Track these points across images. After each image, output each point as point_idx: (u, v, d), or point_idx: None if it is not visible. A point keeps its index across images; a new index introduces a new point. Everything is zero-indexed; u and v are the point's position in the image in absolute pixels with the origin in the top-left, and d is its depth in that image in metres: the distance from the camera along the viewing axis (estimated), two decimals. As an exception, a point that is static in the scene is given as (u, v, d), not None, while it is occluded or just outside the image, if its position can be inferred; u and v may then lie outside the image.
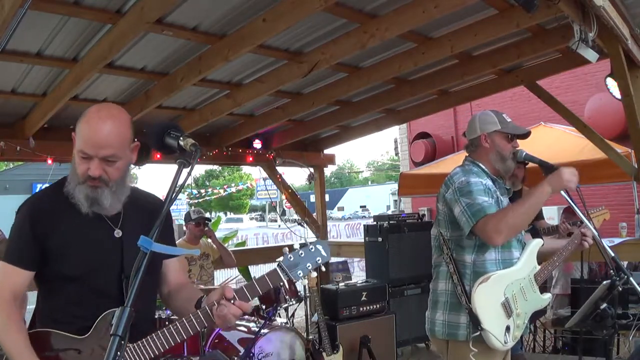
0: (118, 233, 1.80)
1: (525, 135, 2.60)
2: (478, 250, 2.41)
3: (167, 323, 3.52)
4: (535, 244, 2.53)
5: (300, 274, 1.69)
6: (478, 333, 2.31)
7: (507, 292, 2.37)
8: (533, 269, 2.49)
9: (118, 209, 1.80)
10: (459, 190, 2.40)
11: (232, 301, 1.62)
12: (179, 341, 1.67)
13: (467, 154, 2.63)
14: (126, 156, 1.80)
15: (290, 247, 1.75)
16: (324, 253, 1.72)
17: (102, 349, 1.66)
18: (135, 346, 1.65)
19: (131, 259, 1.67)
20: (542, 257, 2.62)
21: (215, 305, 1.61)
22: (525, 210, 2.32)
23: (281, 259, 1.70)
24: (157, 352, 1.66)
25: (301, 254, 1.70)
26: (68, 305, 1.73)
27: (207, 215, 5.46)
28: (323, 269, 1.74)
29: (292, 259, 1.69)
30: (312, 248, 1.72)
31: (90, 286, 1.73)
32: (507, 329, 2.36)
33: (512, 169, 2.56)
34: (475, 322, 2.31)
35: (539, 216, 4.82)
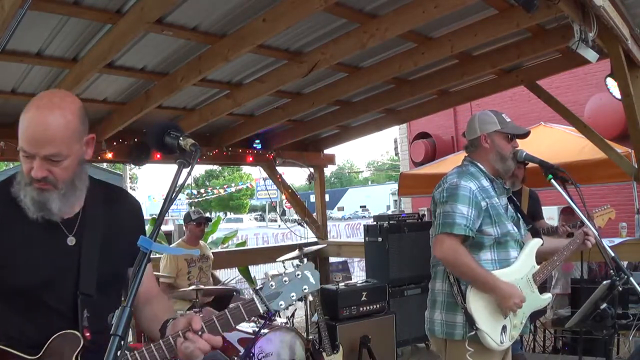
0: (71, 240, 1.58)
1: (525, 135, 2.61)
2: (473, 249, 2.42)
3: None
4: (534, 244, 2.53)
5: (282, 305, 1.48)
6: (474, 332, 2.33)
7: None
8: (531, 269, 2.49)
9: (70, 213, 1.59)
10: (446, 191, 2.44)
11: (199, 333, 1.40)
12: None
13: (466, 154, 2.63)
14: (76, 152, 1.54)
15: (273, 275, 1.58)
16: (312, 280, 1.53)
17: None
18: None
19: (88, 271, 1.55)
20: (542, 257, 2.61)
21: (180, 337, 1.39)
22: (469, 276, 2.36)
23: (260, 286, 1.51)
24: None
25: (285, 281, 1.49)
26: (16, 320, 1.53)
27: (207, 215, 5.46)
28: (310, 298, 1.59)
29: (273, 287, 1.48)
30: (298, 274, 1.51)
31: (40, 301, 1.53)
32: (504, 328, 2.38)
33: (512, 169, 2.57)
34: (470, 321, 2.34)
35: (539, 216, 4.83)
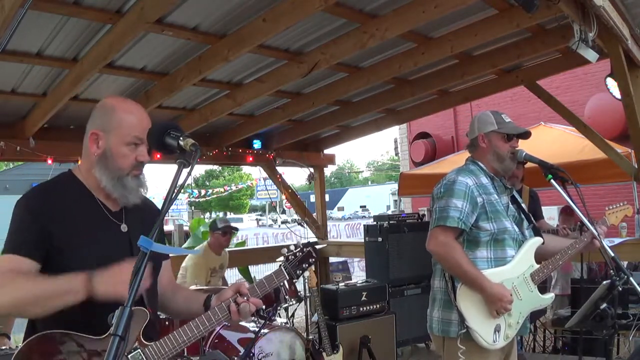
0: (124, 228, 1.78)
1: (525, 135, 2.62)
2: (469, 245, 2.43)
3: (166, 323, 3.55)
4: (533, 243, 2.51)
5: (299, 272, 1.95)
6: (465, 330, 2.34)
7: None
8: (529, 268, 2.47)
9: (117, 207, 1.79)
10: (443, 187, 2.49)
11: (246, 298, 1.74)
12: (198, 337, 1.71)
13: (470, 154, 2.66)
14: None
15: (288, 249, 2.00)
16: (314, 255, 1.99)
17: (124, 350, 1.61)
18: (157, 344, 1.64)
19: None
20: (545, 256, 2.58)
21: (231, 302, 1.72)
22: (457, 271, 2.38)
23: (281, 259, 1.94)
24: (178, 349, 1.67)
25: (298, 254, 1.96)
26: (78, 306, 1.60)
27: (234, 225, 5.39)
28: (313, 268, 1.97)
29: (291, 259, 1.94)
30: (306, 249, 1.99)
31: None
32: (497, 327, 2.36)
33: (511, 169, 2.58)
34: (461, 319, 2.35)
35: (539, 216, 4.83)
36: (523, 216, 2.60)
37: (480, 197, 2.43)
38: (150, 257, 1.72)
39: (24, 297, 1.54)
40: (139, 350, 1.62)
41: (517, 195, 2.67)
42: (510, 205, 2.57)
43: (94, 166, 1.73)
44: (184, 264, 4.95)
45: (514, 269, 2.44)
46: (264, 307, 4.56)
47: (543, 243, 2.54)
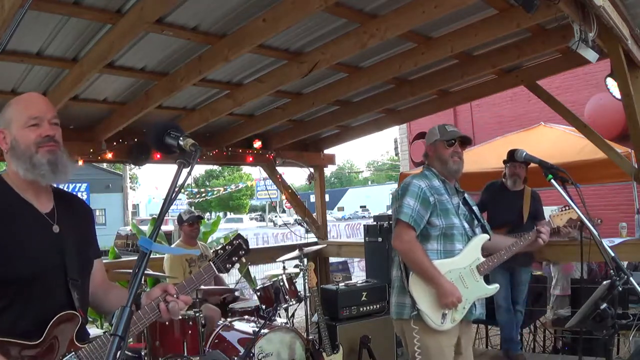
0: (56, 228, 1.75)
1: (464, 140, 2.93)
2: (422, 239, 2.78)
3: (157, 325, 3.53)
4: (480, 239, 2.84)
5: (228, 266, 1.97)
6: (416, 312, 2.71)
7: None
8: (476, 261, 2.80)
9: (48, 207, 1.77)
10: (400, 190, 2.87)
11: (175, 296, 1.74)
12: (128, 337, 1.73)
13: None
14: None
15: (219, 243, 1.95)
16: (244, 247, 1.99)
17: (58, 354, 1.64)
18: (90, 346, 1.66)
19: (71, 257, 1.75)
20: (494, 251, 2.88)
21: (160, 301, 1.72)
22: (417, 267, 2.73)
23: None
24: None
25: (227, 248, 1.97)
26: (9, 313, 1.62)
27: (199, 214, 5.46)
28: (244, 260, 2.02)
29: (220, 254, 1.96)
30: (236, 242, 1.99)
31: (35, 289, 1.65)
32: (444, 311, 2.70)
33: (455, 170, 2.88)
34: (413, 302, 2.72)
35: (540, 216, 4.84)
36: (474, 216, 2.94)
37: (432, 196, 2.78)
38: (80, 258, 1.80)
39: None
40: (73, 353, 1.64)
41: (468, 198, 3.00)
42: (462, 206, 2.91)
43: (11, 162, 1.74)
44: (164, 262, 4.96)
45: (462, 261, 2.78)
46: (264, 307, 4.57)
47: (490, 239, 2.87)
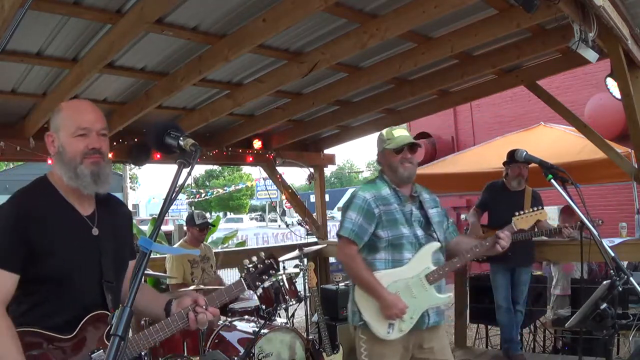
0: (95, 231, 1.82)
1: (412, 146, 2.85)
2: (370, 250, 2.75)
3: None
4: (429, 247, 2.75)
5: (258, 284, 2.02)
6: (363, 322, 2.70)
7: (390, 289, 2.67)
8: (425, 270, 2.71)
9: (89, 211, 1.85)
10: (347, 201, 2.84)
11: (205, 307, 1.81)
12: (157, 342, 1.82)
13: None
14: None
15: (250, 260, 2.07)
16: (275, 266, 2.04)
17: (87, 350, 1.72)
18: None
19: (107, 259, 1.82)
20: (456, 255, 2.83)
21: (190, 310, 1.80)
22: (358, 280, 2.76)
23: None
24: (138, 352, 1.76)
25: (258, 266, 2.02)
26: (47, 307, 1.71)
27: (209, 219, 5.45)
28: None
29: (251, 271, 2.01)
30: (267, 262, 2.04)
31: (73, 287, 1.73)
32: (391, 321, 2.66)
33: (406, 176, 2.79)
34: (359, 312, 2.72)
35: (540, 217, 4.83)
36: (430, 222, 2.82)
37: (377, 208, 2.73)
38: (116, 260, 1.86)
39: None
40: (102, 350, 1.72)
41: (428, 203, 2.88)
42: (415, 212, 2.81)
43: (56, 165, 1.80)
44: (166, 263, 4.95)
45: (409, 270, 2.71)
46: (264, 307, 4.56)
47: (442, 247, 2.78)
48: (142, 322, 3.63)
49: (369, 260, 2.74)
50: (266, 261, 2.01)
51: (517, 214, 2.88)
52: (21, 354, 1.60)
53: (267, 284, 2.10)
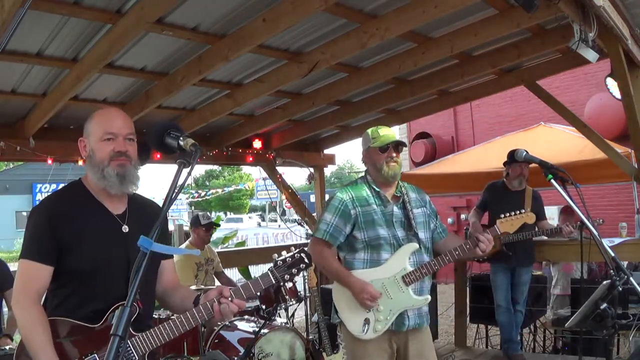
0: (125, 229, 1.91)
1: (397, 145, 2.80)
2: (349, 250, 2.78)
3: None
4: (407, 248, 2.72)
5: (287, 277, 2.00)
6: (339, 320, 2.76)
7: None
8: (401, 271, 2.69)
9: (120, 209, 1.94)
10: (326, 203, 2.87)
11: (230, 299, 1.84)
12: (182, 332, 1.85)
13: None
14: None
15: (279, 254, 2.05)
16: (306, 260, 2.03)
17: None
18: (143, 335, 1.79)
19: (135, 255, 1.81)
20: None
21: (215, 302, 1.83)
22: (331, 273, 2.78)
23: (271, 264, 2.01)
24: (162, 341, 1.82)
25: (288, 260, 2.01)
26: (77, 299, 1.81)
27: (215, 220, 5.44)
28: (305, 274, 2.00)
29: (280, 265, 1.99)
30: (297, 255, 2.02)
31: (99, 282, 1.82)
32: (367, 321, 2.67)
33: (391, 176, 2.77)
34: (335, 310, 2.77)
35: (541, 217, 4.84)
36: (413, 223, 2.78)
37: (354, 209, 2.73)
38: (149, 255, 1.85)
39: (23, 338, 1.76)
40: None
41: (412, 203, 2.83)
42: (397, 212, 2.77)
43: (88, 169, 1.91)
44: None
45: (386, 271, 2.70)
46: (264, 307, 4.57)
47: (419, 249, 2.73)
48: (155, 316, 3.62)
49: (349, 260, 2.78)
50: (296, 255, 2.01)
51: (502, 216, 2.80)
52: (51, 344, 1.72)
53: (297, 278, 2.05)
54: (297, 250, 2.04)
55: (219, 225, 5.35)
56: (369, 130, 2.89)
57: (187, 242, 5.34)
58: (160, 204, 1.66)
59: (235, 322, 4.22)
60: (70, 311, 1.80)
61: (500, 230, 2.78)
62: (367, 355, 2.69)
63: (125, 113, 2.04)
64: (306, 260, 2.02)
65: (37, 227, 1.82)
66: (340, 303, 2.76)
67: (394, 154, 2.78)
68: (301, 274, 2.01)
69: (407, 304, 2.70)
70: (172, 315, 2.75)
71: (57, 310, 1.82)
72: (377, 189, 2.81)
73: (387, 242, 2.72)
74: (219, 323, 3.91)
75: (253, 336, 3.78)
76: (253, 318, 4.33)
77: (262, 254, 7.26)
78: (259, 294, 4.79)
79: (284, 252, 2.04)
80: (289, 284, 4.60)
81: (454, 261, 2.86)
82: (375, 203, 2.78)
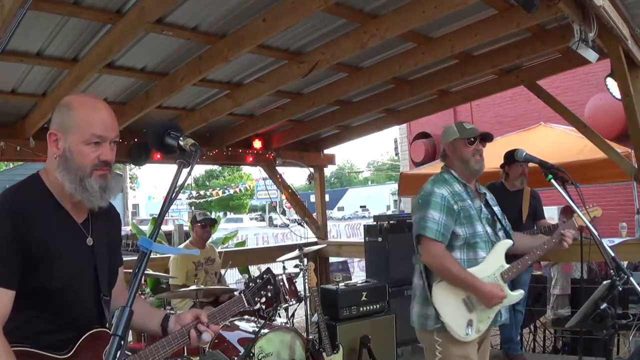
0: (90, 241, 1.70)
1: (486, 137, 2.78)
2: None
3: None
4: (503, 245, 2.70)
5: (257, 300, 1.99)
6: (440, 325, 2.60)
7: None
8: (499, 268, 2.67)
9: (82, 217, 1.71)
10: (421, 198, 2.72)
11: (207, 325, 1.76)
12: None
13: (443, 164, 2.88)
14: None
15: (250, 276, 1.96)
16: (272, 282, 2.02)
17: None
18: None
19: (103, 272, 1.72)
20: (518, 255, 2.76)
21: (191, 327, 1.74)
22: (454, 279, 2.61)
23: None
24: None
25: (257, 283, 2.00)
26: (41, 322, 1.59)
27: (213, 217, 5.45)
28: (269, 294, 2.03)
29: (251, 286, 2.00)
30: (265, 276, 2.02)
31: (68, 302, 1.62)
32: (470, 322, 2.61)
33: (477, 170, 2.74)
34: (437, 314, 2.61)
35: (540, 216, 4.84)
36: (496, 219, 2.80)
37: (456, 204, 2.65)
38: (110, 271, 1.77)
39: None
40: None
41: (490, 200, 2.86)
42: (484, 209, 2.77)
43: (56, 169, 1.63)
44: (169, 263, 4.96)
45: (485, 269, 2.65)
46: (264, 307, 4.56)
47: (513, 245, 2.73)
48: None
49: None
50: (264, 276, 2.01)
51: (577, 211, 2.84)
52: None
53: (264, 299, 2.04)
54: (264, 271, 2.04)
55: (215, 221, 5.35)
56: (453, 125, 2.82)
57: (187, 241, 5.35)
58: (160, 204, 1.53)
59: (236, 322, 4.22)
60: (30, 338, 1.55)
61: (577, 224, 2.81)
62: (466, 357, 2.62)
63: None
64: (272, 282, 2.01)
65: (0, 235, 1.51)
66: (444, 307, 2.61)
67: (481, 148, 2.75)
68: (269, 295, 2.02)
69: (506, 301, 2.66)
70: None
71: (13, 336, 1.51)
72: (466, 184, 2.74)
73: (482, 239, 2.67)
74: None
75: (253, 336, 3.78)
76: (253, 318, 4.34)
77: (262, 254, 7.26)
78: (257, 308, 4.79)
79: (253, 274, 2.07)
80: (288, 285, 4.61)
81: (542, 255, 2.84)
82: (468, 198, 2.71)
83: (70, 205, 1.67)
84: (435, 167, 7.20)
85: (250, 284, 1.99)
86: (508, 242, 2.71)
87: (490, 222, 2.76)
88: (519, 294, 2.72)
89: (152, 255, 1.39)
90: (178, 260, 4.88)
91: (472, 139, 2.73)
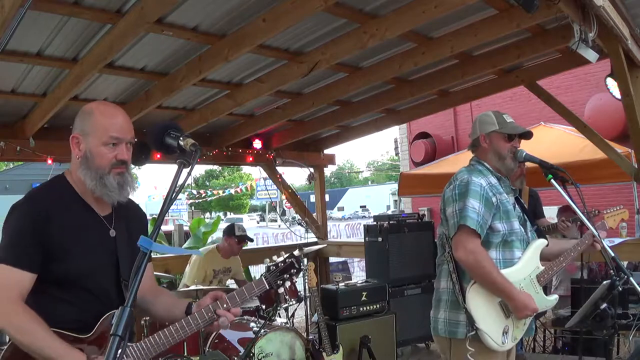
0: (113, 233, 1.83)
1: (527, 135, 2.61)
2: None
3: (158, 326, 3.56)
4: (539, 244, 2.52)
5: (279, 282, 1.99)
6: (474, 332, 2.32)
7: None
8: (535, 270, 2.47)
9: (107, 211, 1.85)
10: (458, 188, 2.44)
11: (226, 307, 1.81)
12: (177, 341, 1.78)
13: (473, 154, 2.67)
14: None
15: (271, 259, 2.06)
16: (296, 266, 2.01)
17: (105, 350, 1.63)
18: (138, 345, 1.69)
19: (124, 260, 1.82)
20: (547, 258, 2.59)
21: (210, 310, 1.79)
22: (487, 280, 2.34)
23: (264, 269, 1.98)
24: (158, 351, 1.73)
25: (280, 265, 2.00)
26: (64, 307, 1.70)
27: (209, 219, 5.44)
28: (294, 279, 2.03)
29: (272, 270, 1.99)
30: (288, 261, 2.02)
31: (90, 287, 1.74)
32: (506, 329, 2.38)
33: (512, 168, 2.56)
34: (470, 321, 2.32)
35: (540, 215, 4.84)
36: (526, 218, 2.61)
37: (494, 196, 2.42)
38: (131, 259, 1.76)
39: (23, 343, 1.59)
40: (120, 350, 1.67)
41: (519, 197, 2.67)
42: (517, 206, 2.59)
43: (78, 168, 1.78)
44: (189, 263, 4.97)
45: (522, 271, 2.44)
46: (264, 307, 4.57)
47: (547, 245, 2.55)
48: (142, 322, 3.63)
49: None
50: (287, 260, 2.00)
51: (606, 212, 2.80)
52: (54, 336, 1.60)
53: (288, 283, 2.00)
54: (288, 255, 2.02)
55: (252, 240, 5.32)
56: (491, 113, 2.59)
57: (213, 245, 5.31)
58: (160, 204, 1.56)
59: (236, 322, 4.22)
60: (55, 321, 1.65)
61: (607, 225, 2.74)
62: None
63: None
64: (296, 266, 2.00)
65: (20, 233, 1.66)
66: (479, 312, 2.34)
67: (518, 146, 2.56)
68: (293, 279, 2.01)
69: (541, 306, 2.46)
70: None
71: (47, 316, 1.65)
72: (501, 178, 2.54)
73: (519, 237, 2.47)
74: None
75: (253, 336, 3.78)
76: (253, 318, 4.34)
77: (262, 254, 7.25)
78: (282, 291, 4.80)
79: (275, 257, 2.05)
80: (288, 284, 4.61)
81: (574, 258, 2.65)
82: (505, 192, 2.50)
83: (92, 201, 1.81)
84: (435, 167, 7.21)
85: (272, 267, 1.99)
86: (543, 242, 2.52)
87: (522, 220, 2.57)
88: (554, 299, 2.55)
89: (152, 255, 1.39)
90: (200, 262, 4.88)
91: (513, 136, 2.54)
